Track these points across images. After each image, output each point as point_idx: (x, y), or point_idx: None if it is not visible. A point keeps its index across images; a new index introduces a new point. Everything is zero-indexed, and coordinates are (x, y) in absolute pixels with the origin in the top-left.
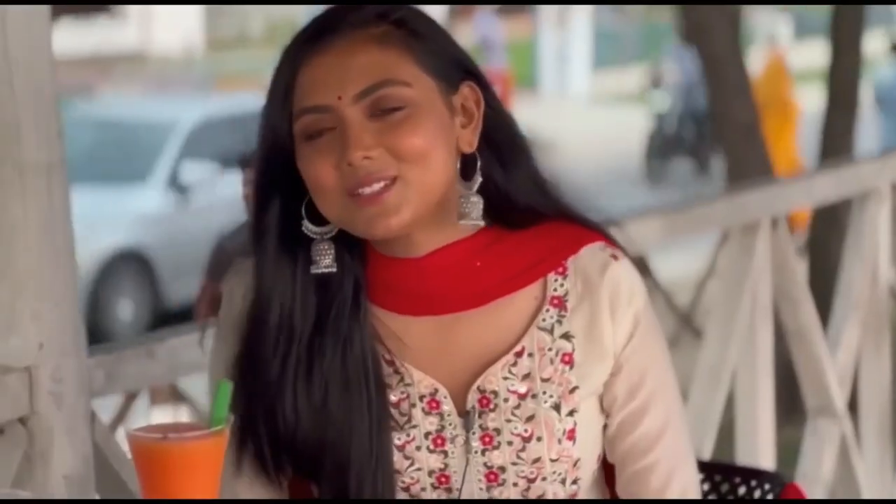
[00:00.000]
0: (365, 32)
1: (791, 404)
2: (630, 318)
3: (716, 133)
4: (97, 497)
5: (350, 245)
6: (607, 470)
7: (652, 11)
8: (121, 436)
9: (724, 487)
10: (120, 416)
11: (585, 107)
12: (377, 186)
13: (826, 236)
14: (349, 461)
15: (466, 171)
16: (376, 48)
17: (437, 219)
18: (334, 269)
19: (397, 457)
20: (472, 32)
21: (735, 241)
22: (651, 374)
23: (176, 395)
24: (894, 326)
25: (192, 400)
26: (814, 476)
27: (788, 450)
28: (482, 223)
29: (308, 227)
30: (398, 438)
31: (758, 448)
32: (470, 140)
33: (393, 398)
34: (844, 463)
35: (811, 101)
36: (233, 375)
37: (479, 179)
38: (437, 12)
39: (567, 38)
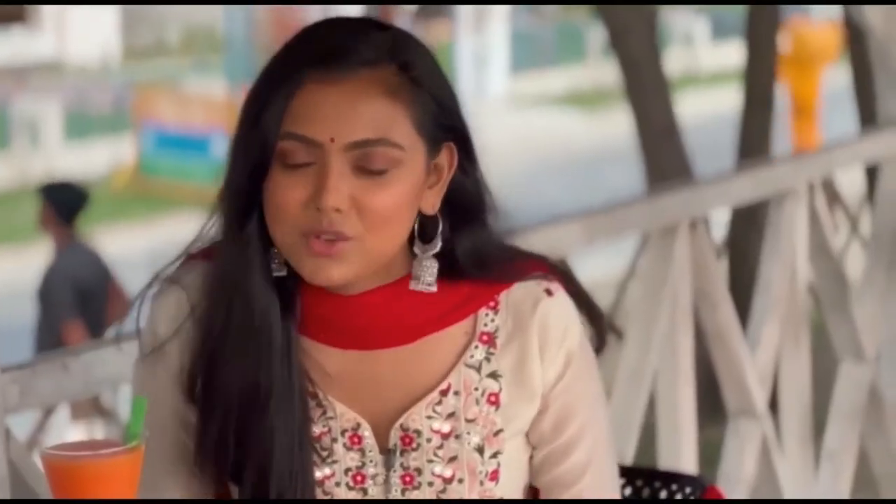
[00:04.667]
0: (376, 75)
1: (712, 405)
2: (562, 358)
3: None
4: None
5: None
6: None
7: (568, 12)
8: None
9: (646, 492)
10: (38, 432)
11: (504, 110)
12: (331, 237)
13: (745, 236)
14: (270, 464)
15: (423, 231)
16: (383, 99)
17: (376, 269)
18: (283, 273)
19: (316, 493)
20: None
21: (654, 244)
22: (580, 411)
23: (97, 409)
24: (813, 326)
25: (114, 413)
26: (736, 476)
27: (710, 450)
28: (434, 289)
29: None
30: (318, 473)
31: (680, 449)
32: (433, 203)
33: (315, 431)
34: (766, 463)
35: (729, 101)
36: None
37: (438, 244)
38: (354, 13)
39: (484, 41)
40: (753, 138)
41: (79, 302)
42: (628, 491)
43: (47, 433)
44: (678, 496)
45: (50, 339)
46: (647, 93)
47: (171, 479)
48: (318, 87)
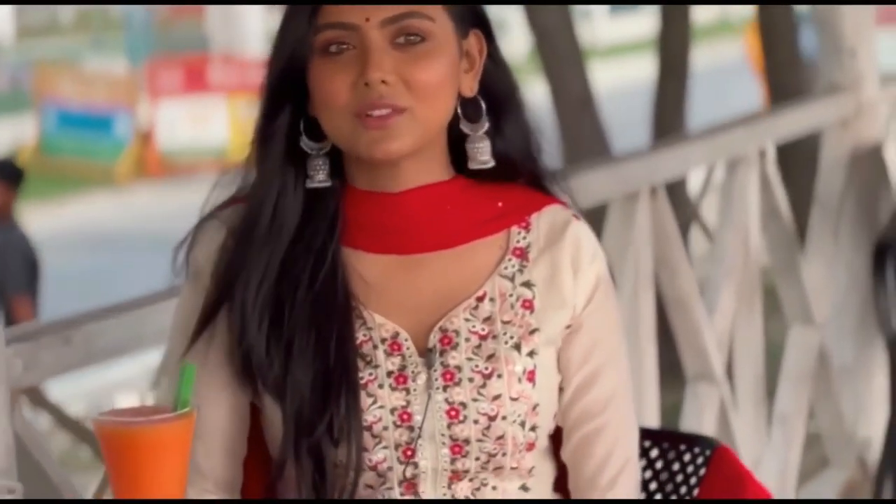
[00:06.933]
0: None
1: (669, 370)
2: (593, 277)
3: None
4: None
5: (338, 167)
6: (555, 446)
7: None
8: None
9: (654, 453)
10: None
11: None
12: (385, 111)
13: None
14: (314, 371)
15: (468, 115)
16: None
17: (426, 156)
18: (328, 184)
19: (361, 395)
20: None
21: (616, 211)
22: (607, 339)
23: (37, 400)
24: (765, 292)
25: (54, 404)
26: None
27: (670, 414)
28: (491, 164)
29: (306, 142)
30: (360, 377)
31: (643, 412)
32: (471, 85)
33: (357, 338)
34: (723, 425)
35: (628, 74)
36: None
37: (486, 124)
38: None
39: None
40: (668, 107)
41: (29, 277)
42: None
43: None
44: (687, 456)
45: None
46: (562, 63)
47: (208, 390)
48: None
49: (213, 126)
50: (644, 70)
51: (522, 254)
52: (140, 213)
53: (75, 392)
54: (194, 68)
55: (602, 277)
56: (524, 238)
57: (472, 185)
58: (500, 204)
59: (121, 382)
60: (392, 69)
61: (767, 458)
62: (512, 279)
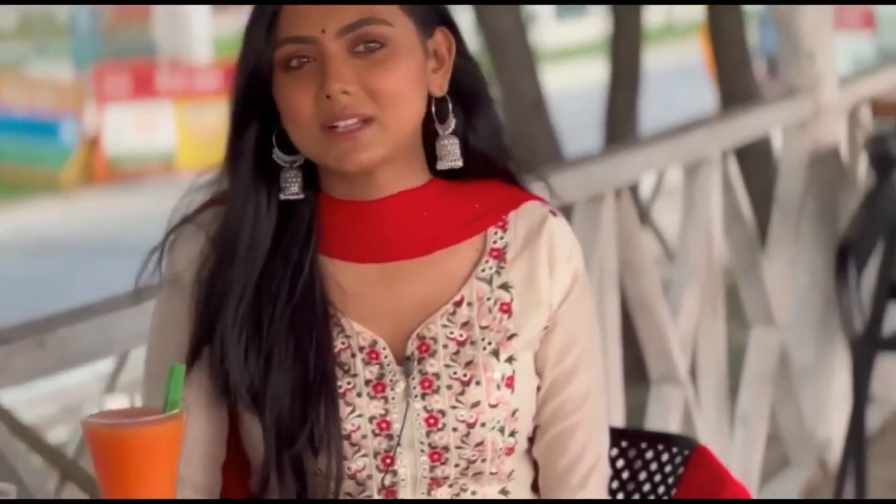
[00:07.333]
0: None
1: (634, 371)
2: (569, 275)
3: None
4: None
5: (313, 177)
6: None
7: None
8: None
9: (632, 453)
10: None
11: None
12: (352, 122)
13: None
14: (293, 381)
15: (438, 114)
16: None
17: (401, 161)
18: (301, 196)
19: (339, 404)
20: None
21: (581, 213)
22: (582, 337)
23: None
24: (727, 292)
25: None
26: None
27: (635, 415)
28: (460, 164)
29: (278, 154)
30: (339, 386)
31: (609, 414)
32: (440, 84)
33: (335, 347)
34: (688, 427)
35: (575, 77)
36: (195, 301)
37: (453, 122)
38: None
39: None
40: (620, 112)
41: None
42: (614, 452)
43: None
44: (664, 456)
45: None
46: (514, 66)
47: (189, 400)
48: None
49: (160, 132)
50: (591, 73)
51: (500, 255)
52: (87, 219)
53: (24, 398)
54: (141, 74)
55: (578, 275)
56: (501, 238)
57: (448, 187)
58: (477, 205)
59: (70, 388)
60: (353, 78)
61: (730, 458)
62: (489, 282)
